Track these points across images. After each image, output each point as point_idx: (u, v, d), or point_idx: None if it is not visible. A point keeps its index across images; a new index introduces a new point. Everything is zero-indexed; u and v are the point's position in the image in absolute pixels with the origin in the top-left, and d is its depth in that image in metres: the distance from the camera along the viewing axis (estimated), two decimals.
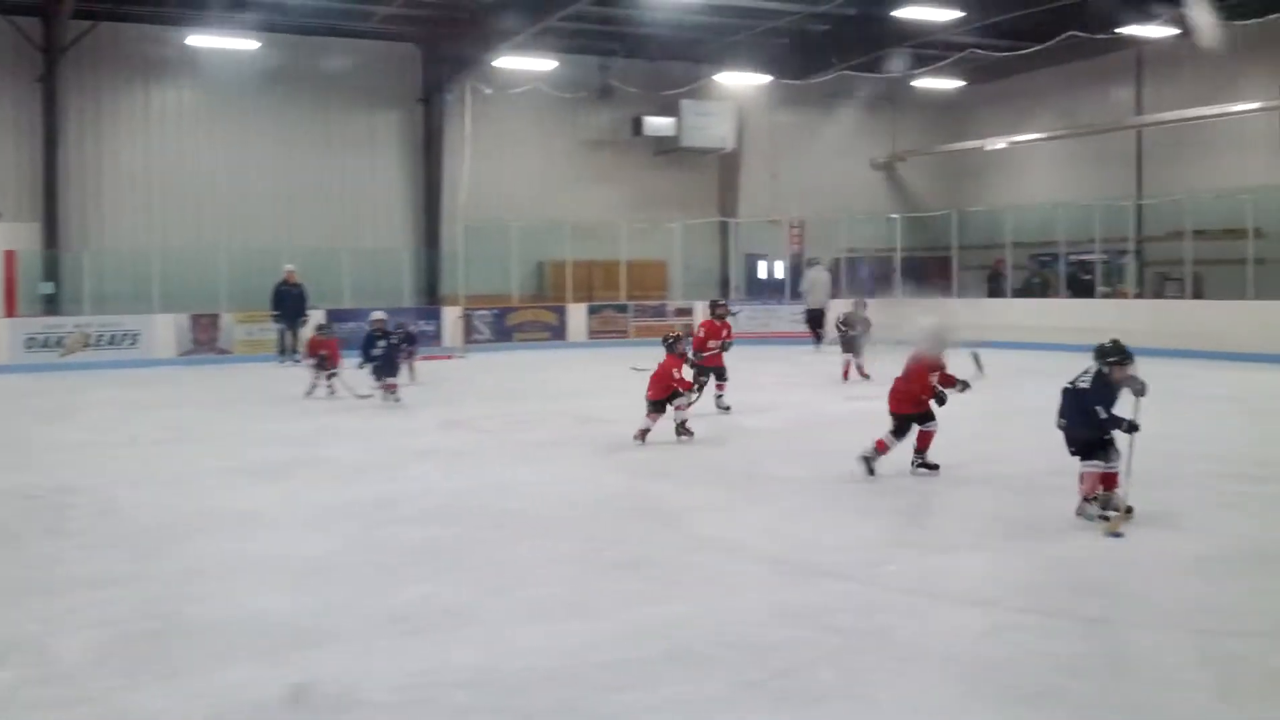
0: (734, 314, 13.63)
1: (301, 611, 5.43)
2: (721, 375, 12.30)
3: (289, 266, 19.81)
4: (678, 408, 10.48)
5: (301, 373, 15.07)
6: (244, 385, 16.51)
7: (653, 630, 5.09)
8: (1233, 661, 4.68)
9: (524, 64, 22.65)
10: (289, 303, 19.64)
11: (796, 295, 23.58)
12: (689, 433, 10.55)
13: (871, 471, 8.46)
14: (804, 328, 22.53)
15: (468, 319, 22.27)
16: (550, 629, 5.14)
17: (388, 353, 13.64)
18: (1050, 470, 8.99)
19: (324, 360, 14.23)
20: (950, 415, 8.88)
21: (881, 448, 8.53)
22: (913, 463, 8.64)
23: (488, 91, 23.32)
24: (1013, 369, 17.70)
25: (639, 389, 10.86)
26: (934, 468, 8.64)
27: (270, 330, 20.10)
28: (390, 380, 13.57)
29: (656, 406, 10.47)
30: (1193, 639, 4.96)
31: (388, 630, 5.13)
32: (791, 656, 4.74)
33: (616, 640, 4.96)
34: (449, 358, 20.71)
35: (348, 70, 22.91)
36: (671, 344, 10.74)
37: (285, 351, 19.38)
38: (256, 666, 4.67)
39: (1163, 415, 12.25)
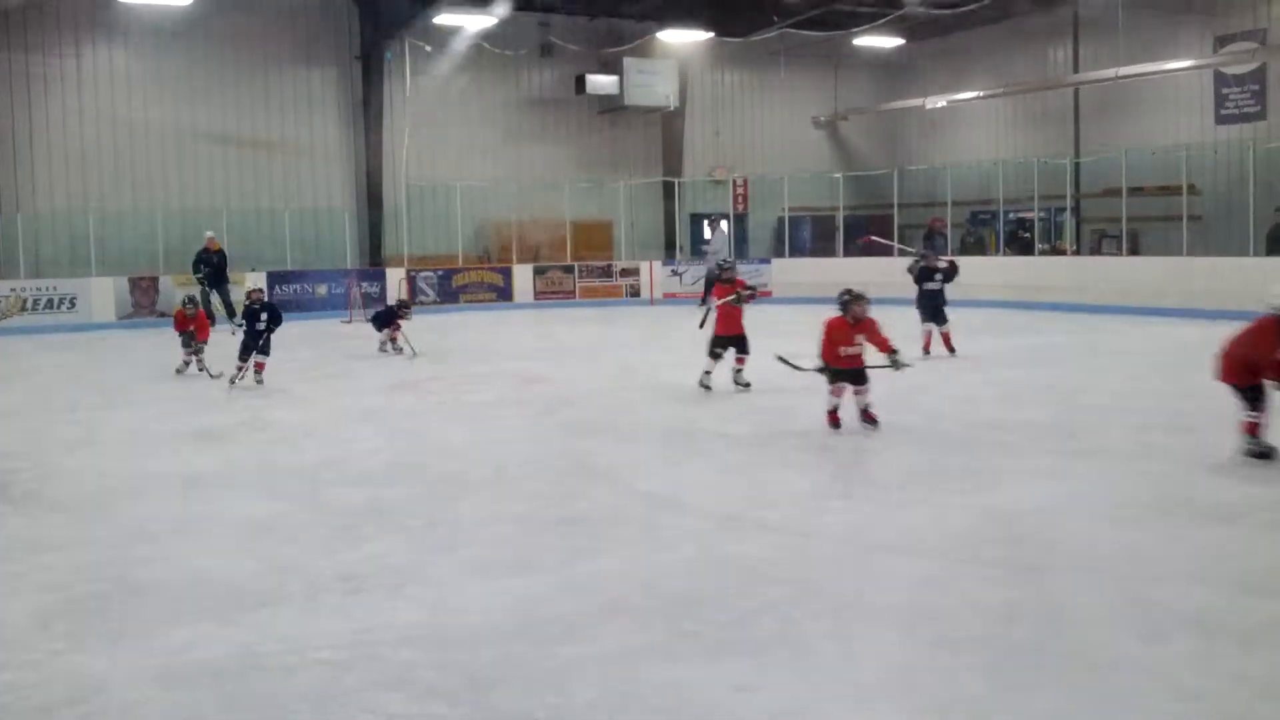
0: (729, 265, 12.37)
1: (248, 572, 5.48)
2: (743, 347, 10.97)
3: (209, 233, 19.58)
4: (858, 392, 8.97)
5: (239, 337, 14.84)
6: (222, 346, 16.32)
7: (593, 585, 5.20)
8: (1156, 605, 4.86)
9: (463, 21, 22.40)
10: (211, 270, 19.26)
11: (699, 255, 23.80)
12: (745, 384, 10.79)
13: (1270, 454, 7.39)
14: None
15: (412, 280, 22.17)
16: (493, 585, 5.23)
17: (256, 328, 12.02)
18: (987, 424, 9.23)
19: (190, 337, 13.02)
20: (882, 371, 9.06)
21: (1254, 429, 7.39)
22: (1245, 450, 7.45)
23: (427, 49, 23.08)
24: (952, 325, 17.95)
25: (580, 350, 10.93)
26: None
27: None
28: (259, 359, 12.02)
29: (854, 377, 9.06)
30: (1120, 585, 5.15)
31: (334, 589, 5.19)
32: (730, 607, 4.86)
33: (558, 595, 5.06)
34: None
35: (283, 27, 22.54)
36: (846, 304, 9.29)
37: (216, 319, 18.31)
38: (204, 626, 4.71)
39: (1092, 370, 12.61)
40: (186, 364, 13.03)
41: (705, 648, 4.42)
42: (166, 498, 7.16)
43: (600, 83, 24.66)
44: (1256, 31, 20.71)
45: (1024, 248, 22.86)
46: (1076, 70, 23.80)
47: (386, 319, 15.17)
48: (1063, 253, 22.74)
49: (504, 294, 23.45)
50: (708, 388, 10.82)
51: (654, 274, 24.40)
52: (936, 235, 24.23)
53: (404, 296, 18.47)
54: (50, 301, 19.57)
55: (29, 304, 19.41)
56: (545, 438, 9.07)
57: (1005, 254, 22.94)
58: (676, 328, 18.49)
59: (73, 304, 19.68)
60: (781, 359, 9.61)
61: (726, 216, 26.50)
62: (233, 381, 11.88)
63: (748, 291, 11.20)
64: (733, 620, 4.72)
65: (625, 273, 24.43)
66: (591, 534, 6.13)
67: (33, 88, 20.94)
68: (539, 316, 21.48)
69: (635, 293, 24.34)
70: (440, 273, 22.95)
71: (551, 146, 25.40)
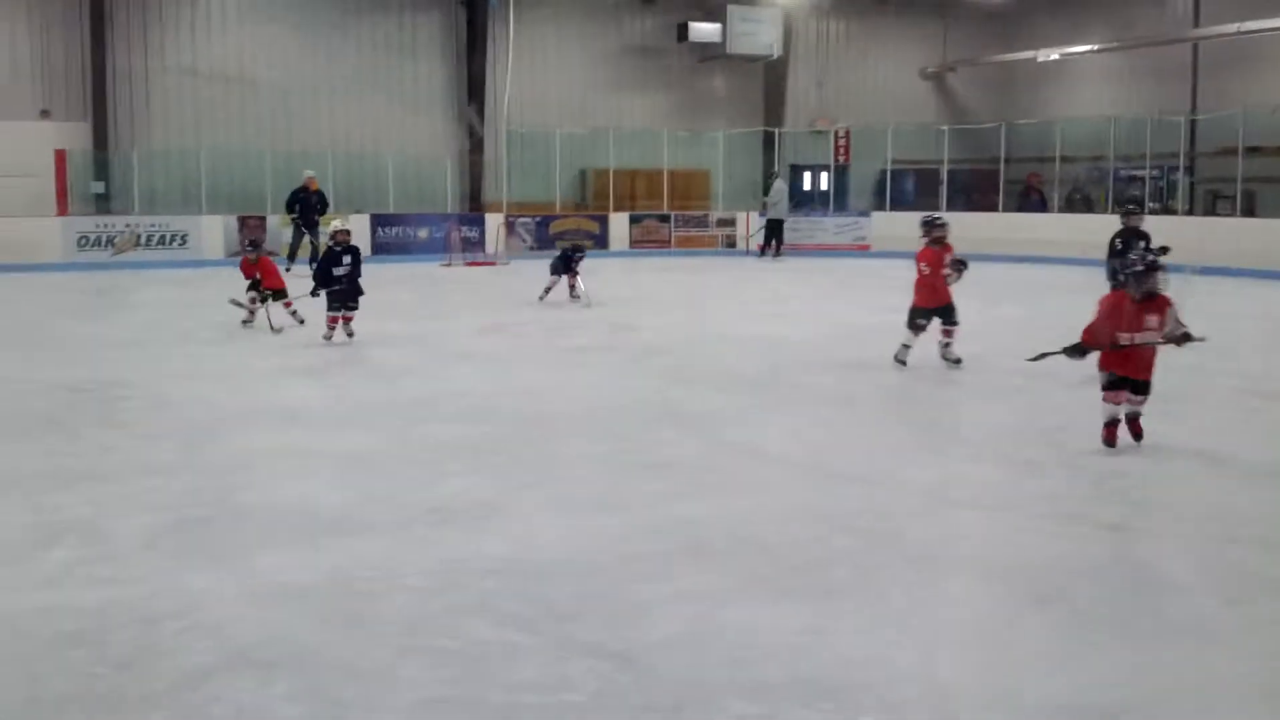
0: (941, 223, 9.98)
1: (341, 502, 5.69)
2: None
3: (309, 172, 19.36)
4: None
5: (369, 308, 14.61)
6: (292, 287, 16.75)
7: (672, 527, 5.30)
8: (1242, 568, 4.81)
9: None
10: (307, 209, 18.99)
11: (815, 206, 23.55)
12: (955, 360, 9.52)
13: None
14: (845, 239, 22.46)
15: (510, 226, 22.39)
16: (575, 522, 5.37)
17: (351, 276, 10.88)
18: (1079, 381, 9.08)
19: (257, 284, 11.95)
20: (978, 330, 8.96)
21: None
22: None
23: None
24: (1043, 284, 17.63)
25: (673, 300, 10.93)
26: None
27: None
28: (348, 312, 10.93)
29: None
30: (1206, 547, 5.10)
31: (423, 520, 5.38)
32: (805, 554, 4.93)
33: (638, 534, 5.18)
34: (493, 264, 20.90)
35: None
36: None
37: (293, 256, 18.52)
38: (299, 551, 4.93)
39: (1194, 332, 12.27)
40: (253, 313, 11.92)
41: (778, 591, 4.50)
42: (267, 429, 7.44)
43: (703, 30, 24.46)
44: None
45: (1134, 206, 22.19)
46: (1197, 24, 22.93)
47: (564, 265, 14.35)
48: (1174, 213, 22.05)
49: (600, 241, 23.53)
50: (903, 363, 9.52)
51: (750, 225, 24.26)
52: (1034, 192, 23.69)
53: (579, 242, 16.93)
54: (163, 238, 20.20)
55: (142, 239, 20.07)
56: (634, 384, 9.17)
57: (1112, 212, 22.31)
58: (771, 280, 18.45)
59: (184, 240, 20.30)
60: (1042, 355, 7.55)
61: (827, 167, 26.23)
62: (326, 339, 10.87)
63: (960, 264, 9.66)
64: (806, 565, 4.79)
65: (721, 223, 24.34)
66: (674, 478, 6.22)
67: (149, 30, 21.51)
68: (634, 265, 21.55)
69: (731, 243, 24.25)
70: (538, 219, 23.13)
71: (651, 95, 25.34)
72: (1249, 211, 20.26)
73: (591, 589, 4.49)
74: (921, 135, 25.45)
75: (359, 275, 10.94)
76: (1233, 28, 20.96)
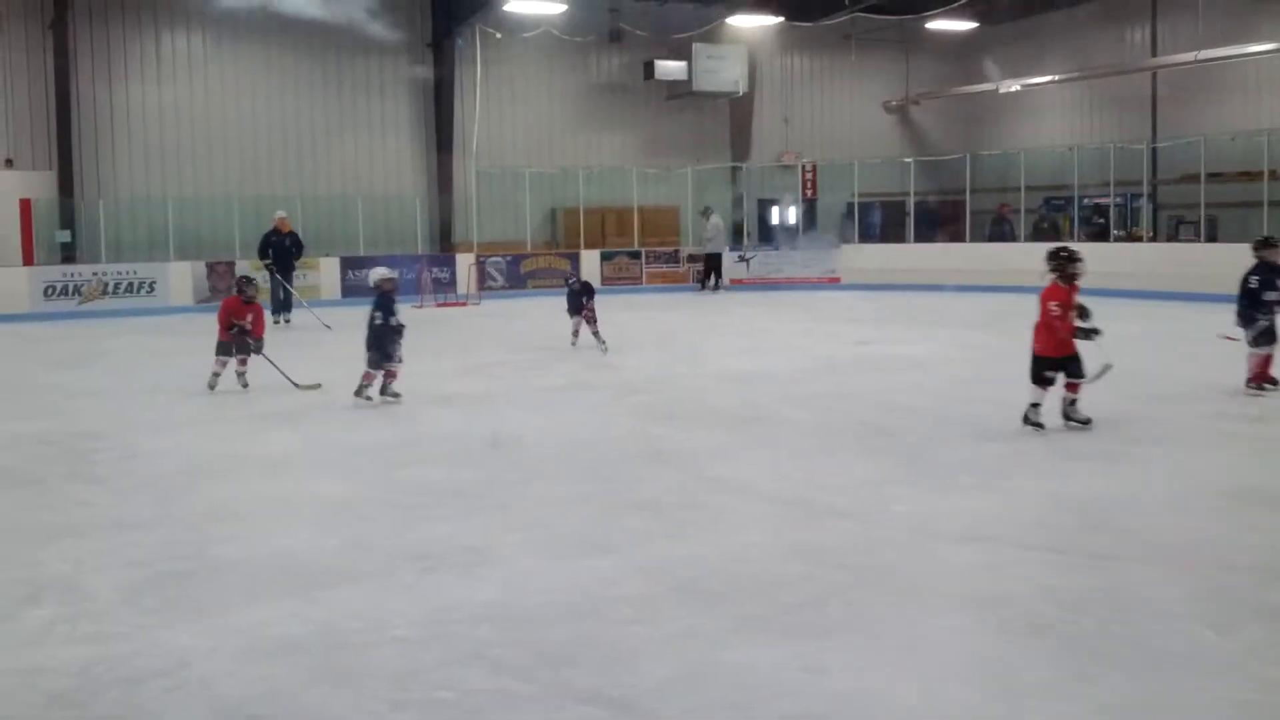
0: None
1: (325, 550, 5.62)
2: (1075, 370, 8.15)
3: (280, 213, 18.27)
4: (1070, 388, 8.15)
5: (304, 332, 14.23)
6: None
7: (662, 567, 5.26)
8: (1229, 595, 4.82)
9: (533, 7, 22.51)
10: (281, 253, 17.80)
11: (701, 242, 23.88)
12: (1083, 421, 8.24)
13: None
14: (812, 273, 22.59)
15: (481, 266, 22.37)
16: (564, 565, 5.32)
17: (385, 328, 9.81)
18: (1054, 409, 9.13)
19: (241, 335, 10.54)
20: (952, 357, 8.99)
21: None
22: None
23: (497, 36, 23.23)
24: (1018, 312, 17.75)
25: (647, 336, 10.87)
26: None
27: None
28: (392, 366, 9.91)
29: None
30: (1192, 574, 5.12)
31: (410, 568, 5.31)
32: (798, 592, 4.91)
33: (627, 576, 5.14)
34: (463, 304, 20.86)
35: (356, 14, 22.80)
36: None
37: (279, 309, 17.28)
38: (284, 603, 4.85)
39: (1170, 356, 12.40)
40: (217, 375, 10.56)
41: (774, 631, 4.47)
42: (246, 478, 7.35)
43: (669, 68, 24.65)
44: None
45: (1099, 234, 22.49)
46: (1155, 53, 23.32)
47: (576, 305, 13.61)
48: (1139, 239, 22.33)
49: None
50: (1039, 425, 8.14)
51: (721, 260, 24.34)
52: (1005, 221, 23.97)
53: (583, 280, 15.59)
54: (130, 285, 20.03)
55: (110, 287, 19.90)
56: (615, 422, 9.14)
57: (1079, 240, 22.56)
58: (743, 315, 18.49)
59: (151, 288, 20.13)
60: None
61: (795, 201, 26.41)
62: (365, 396, 9.89)
63: (1093, 329, 8.12)
64: (800, 604, 4.76)
65: (693, 259, 24.41)
66: (661, 518, 6.19)
67: (114, 77, 21.42)
68: (606, 303, 21.41)
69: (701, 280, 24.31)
70: (509, 259, 23.12)
71: (620, 132, 25.46)
72: (1211, 237, 20.53)
73: (585, 633, 4.45)
74: (887, 168, 25.71)
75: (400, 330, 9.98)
76: (1190, 56, 21.31)
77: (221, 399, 10.46)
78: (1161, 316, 16.62)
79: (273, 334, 12.01)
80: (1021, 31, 25.83)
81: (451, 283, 21.96)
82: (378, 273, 10.30)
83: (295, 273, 18.40)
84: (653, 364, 12.40)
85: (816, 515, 6.27)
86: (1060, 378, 8.12)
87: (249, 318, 10.59)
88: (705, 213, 23.71)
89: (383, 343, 9.80)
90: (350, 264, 21.53)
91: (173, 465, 7.75)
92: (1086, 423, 8.16)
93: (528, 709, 3.80)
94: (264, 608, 4.81)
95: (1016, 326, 15.25)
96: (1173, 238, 22.03)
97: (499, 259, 22.98)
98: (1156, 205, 22.89)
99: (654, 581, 5.05)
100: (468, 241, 23.04)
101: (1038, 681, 3.97)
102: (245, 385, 10.71)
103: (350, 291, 20.84)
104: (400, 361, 9.94)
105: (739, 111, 26.39)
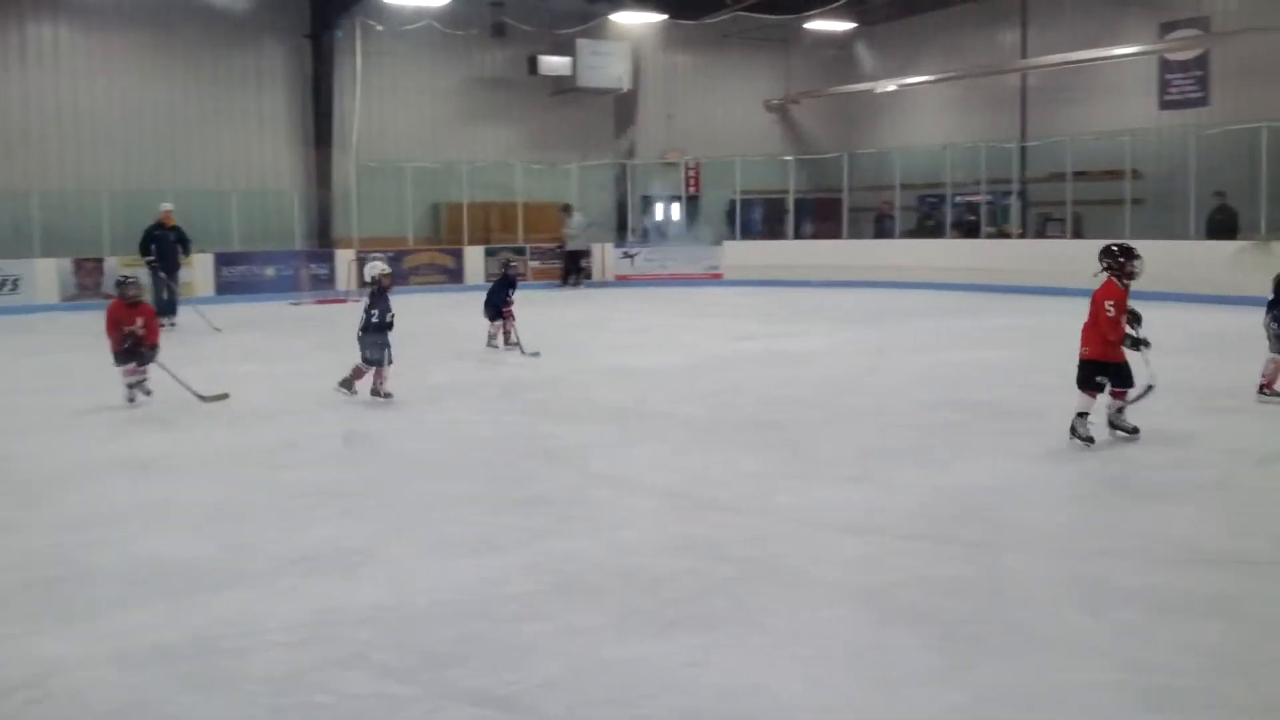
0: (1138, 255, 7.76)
1: (201, 555, 5.46)
2: (1122, 378, 7.64)
3: (166, 206, 17.16)
4: (1116, 395, 7.66)
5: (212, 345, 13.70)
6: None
7: (549, 564, 5.25)
8: (1100, 581, 4.99)
9: (415, 0, 22.26)
10: (165, 249, 16.63)
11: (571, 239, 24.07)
12: (1131, 430, 7.71)
13: None
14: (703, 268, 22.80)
15: (361, 262, 21.98)
16: (450, 565, 5.27)
17: (382, 325, 9.61)
18: (937, 404, 9.37)
19: (135, 343, 9.65)
20: (834, 351, 9.16)
21: None
22: None
23: (378, 28, 22.89)
24: (900, 308, 18.26)
25: (533, 333, 10.85)
26: None
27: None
28: (383, 366, 9.63)
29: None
30: (1065, 561, 5.29)
31: (289, 571, 5.20)
32: (683, 586, 4.94)
33: (514, 574, 5.10)
34: (343, 301, 20.50)
35: (233, 4, 22.24)
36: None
37: (163, 311, 15.46)
38: (158, 609, 4.71)
39: (1039, 351, 12.81)
40: (134, 390, 9.75)
41: (659, 625, 4.49)
42: (116, 481, 7.11)
43: (553, 64, 24.58)
44: (1200, 19, 21.04)
45: (970, 231, 23.13)
46: (1024, 55, 24.05)
47: (497, 304, 12.78)
48: (1009, 236, 23.04)
49: (455, 276, 23.34)
50: (1089, 439, 7.54)
51: (606, 256, 24.41)
52: (885, 218, 24.52)
53: (514, 268, 13.97)
54: None
55: None
56: (501, 420, 9.08)
57: (952, 237, 23.19)
58: (628, 311, 18.56)
59: (15, 285, 19.33)
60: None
61: (678, 198, 26.59)
62: (350, 390, 9.70)
63: (1142, 339, 7.64)
64: (685, 598, 4.79)
65: (556, 256, 24.40)
66: (548, 515, 6.17)
67: None
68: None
69: (587, 275, 24.33)
70: (390, 254, 22.75)
71: (504, 127, 25.31)
72: (1078, 233, 21.28)
73: (470, 633, 4.41)
74: (768, 166, 26.08)
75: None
76: (1057, 58, 22.06)
77: (88, 400, 10.05)
78: (1030, 311, 17.17)
79: (183, 352, 11.56)
80: (898, 32, 26.42)
81: (330, 279, 21.56)
82: (377, 267, 9.86)
83: (180, 270, 17.20)
84: (540, 360, 12.35)
85: (702, 509, 6.32)
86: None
87: (139, 322, 9.74)
88: (567, 210, 23.74)
89: (378, 341, 9.56)
90: (225, 260, 21.00)
91: (38, 469, 7.47)
92: (1134, 432, 7.68)
93: (410, 710, 3.75)
94: (136, 614, 4.66)
95: (895, 321, 15.71)
96: (1041, 234, 22.77)
97: (380, 255, 22.59)
98: (1026, 202, 23.63)
99: (540, 579, 5.04)
100: (348, 237, 22.66)
101: (917, 669, 4.06)
102: (148, 394, 9.76)
103: (224, 289, 20.34)
104: (391, 363, 9.65)
105: (623, 108, 26.46)
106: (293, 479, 7.07)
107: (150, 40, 21.80)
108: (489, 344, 12.89)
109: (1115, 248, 7.71)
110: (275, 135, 23.17)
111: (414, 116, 24.24)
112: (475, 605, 4.72)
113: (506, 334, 12.70)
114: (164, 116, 21.93)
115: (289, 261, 21.39)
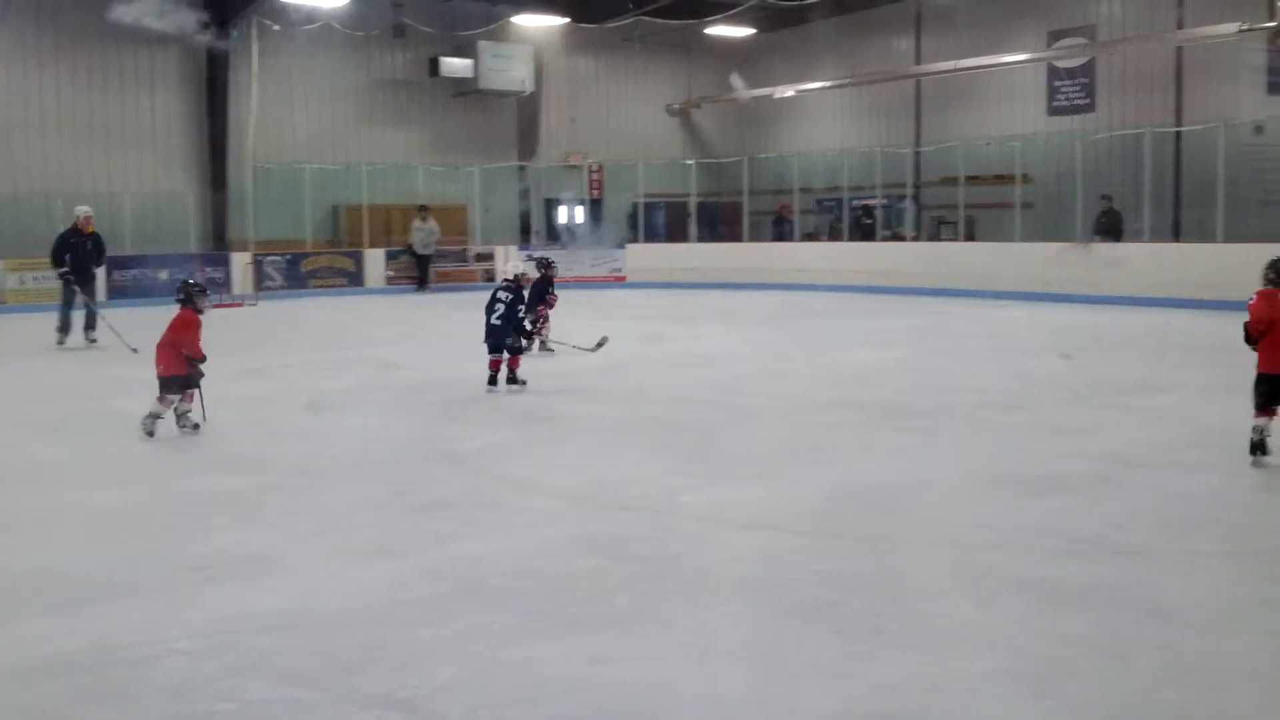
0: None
1: (99, 563, 5.37)
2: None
3: (84, 210, 14.93)
4: None
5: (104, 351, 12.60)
6: (19, 337, 15.66)
7: (451, 567, 5.27)
8: (990, 572, 5.18)
9: (313, 0, 21.96)
10: (81, 259, 14.60)
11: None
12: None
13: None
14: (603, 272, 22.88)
15: (258, 265, 21.67)
16: (353, 571, 5.26)
17: (519, 322, 10.64)
18: (837, 403, 9.58)
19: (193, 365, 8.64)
20: (736, 353, 9.31)
21: None
22: None
23: (275, 28, 22.53)
24: (799, 309, 18.56)
25: (434, 338, 10.75)
26: None
27: (52, 279, 15.42)
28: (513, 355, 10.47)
29: None
30: (958, 553, 5.46)
31: (190, 579, 5.14)
32: (586, 586, 5.00)
33: (417, 578, 5.12)
34: (239, 305, 20.16)
35: (125, 3, 21.66)
36: None
37: (65, 328, 14.34)
38: (55, 619, 4.62)
39: (933, 351, 13.16)
40: (184, 420, 8.49)
41: (562, 625, 4.54)
42: (9, 488, 6.94)
43: (454, 65, 24.46)
44: (1087, 28, 21.78)
45: (867, 234, 23.61)
46: (919, 62, 24.62)
47: (541, 294, 12.64)
48: (903, 239, 23.57)
49: (355, 279, 23.09)
50: (1264, 453, 7.05)
51: (509, 259, 24.33)
52: (785, 222, 24.92)
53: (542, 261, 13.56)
54: None
55: None
56: (403, 424, 9.04)
57: (849, 240, 23.64)
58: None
59: None
60: None
61: (581, 201, 26.65)
62: (520, 382, 10.34)
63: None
64: (589, 597, 4.86)
65: (480, 257, 24.32)
66: (450, 518, 6.18)
67: None
68: (392, 302, 21.25)
69: (490, 277, 24.19)
70: (288, 257, 22.46)
71: (405, 129, 25.11)
72: (970, 236, 21.86)
73: (373, 638, 4.41)
74: (670, 169, 26.30)
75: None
76: (950, 65, 22.63)
77: None
78: (925, 312, 17.60)
79: (71, 356, 10.97)
80: (797, 38, 26.82)
81: (227, 283, 21.17)
82: (520, 266, 11.02)
83: (95, 282, 15.28)
84: (442, 364, 12.30)
85: (606, 509, 6.39)
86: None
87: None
88: (423, 212, 23.39)
89: (515, 333, 10.40)
90: (116, 264, 20.44)
91: None
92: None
93: (312, 716, 3.75)
94: (29, 625, 4.57)
95: (795, 322, 15.95)
96: (935, 237, 23.34)
97: (277, 258, 22.29)
98: (920, 206, 24.19)
99: (443, 582, 5.05)
100: (244, 240, 22.27)
101: (815, 662, 4.17)
102: (196, 427, 8.53)
103: (116, 293, 19.82)
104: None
105: (526, 111, 26.44)
106: (190, 487, 6.96)
107: (35, 38, 21.16)
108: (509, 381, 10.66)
109: None
110: (169, 136, 22.66)
111: (313, 117, 23.92)
112: (377, 610, 4.72)
113: (542, 340, 12.60)
114: (51, 117, 21.30)
115: (183, 265, 20.93)
